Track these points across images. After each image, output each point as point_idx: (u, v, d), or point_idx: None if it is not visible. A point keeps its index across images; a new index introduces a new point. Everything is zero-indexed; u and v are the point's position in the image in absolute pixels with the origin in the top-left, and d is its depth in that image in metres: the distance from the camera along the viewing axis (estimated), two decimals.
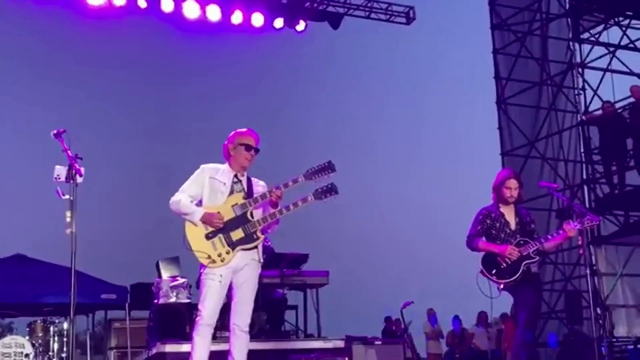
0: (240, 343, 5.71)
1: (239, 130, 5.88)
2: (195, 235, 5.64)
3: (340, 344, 8.25)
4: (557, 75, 14.87)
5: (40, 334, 10.03)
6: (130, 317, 11.24)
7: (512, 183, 6.59)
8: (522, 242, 6.44)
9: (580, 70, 14.76)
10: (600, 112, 14.21)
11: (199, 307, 5.63)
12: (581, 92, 14.73)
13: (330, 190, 5.69)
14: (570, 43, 14.88)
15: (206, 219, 5.61)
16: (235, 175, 5.82)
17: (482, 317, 14.71)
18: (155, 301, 9.08)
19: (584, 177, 14.20)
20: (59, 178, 5.68)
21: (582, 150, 14.27)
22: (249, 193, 5.78)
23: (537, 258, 6.47)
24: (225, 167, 5.86)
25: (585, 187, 14.10)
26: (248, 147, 5.79)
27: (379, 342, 8.36)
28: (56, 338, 10.10)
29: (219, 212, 5.64)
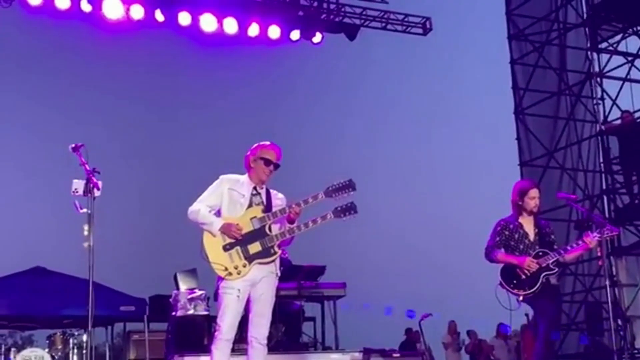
0: (258, 355, 5.70)
1: (262, 143, 5.85)
2: (213, 246, 5.62)
3: (358, 356, 8.22)
4: (575, 85, 14.80)
5: (59, 346, 10.07)
6: (149, 329, 11.25)
7: (536, 192, 6.55)
8: (541, 253, 6.39)
9: (598, 79, 14.68)
10: (619, 121, 14.12)
11: (218, 321, 5.62)
12: (600, 101, 14.65)
13: (350, 209, 5.65)
14: (589, 52, 14.81)
15: (225, 230, 5.60)
16: (255, 188, 5.81)
17: (499, 329, 14.62)
18: (173, 313, 9.10)
19: (604, 187, 14.10)
20: (77, 192, 5.72)
21: (601, 160, 14.18)
22: (267, 206, 5.76)
23: (557, 269, 6.41)
24: (245, 178, 5.85)
25: (605, 198, 13.99)
26: (267, 162, 5.77)
27: (397, 355, 8.30)
28: (75, 350, 10.13)
29: (238, 224, 5.62)
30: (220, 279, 5.64)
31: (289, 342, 8.83)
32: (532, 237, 6.51)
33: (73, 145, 5.72)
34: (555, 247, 6.49)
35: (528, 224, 6.57)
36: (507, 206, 6.70)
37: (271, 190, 5.90)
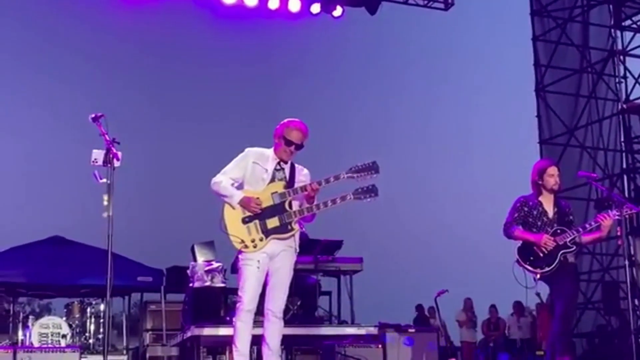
0: (274, 328, 5.72)
1: (288, 121, 5.77)
2: (232, 218, 5.63)
3: (374, 330, 8.23)
4: (597, 63, 14.65)
5: (77, 315, 10.20)
6: (165, 299, 11.35)
7: (554, 170, 6.50)
8: (558, 231, 6.35)
9: (621, 57, 14.52)
10: None
11: (239, 293, 5.64)
12: (622, 80, 14.51)
13: (371, 191, 5.61)
14: (612, 30, 14.63)
15: (244, 203, 5.60)
16: (279, 163, 5.78)
17: (517, 307, 14.60)
18: (190, 284, 9.15)
19: (624, 166, 14.00)
20: (97, 162, 5.73)
21: (622, 139, 14.07)
22: (290, 182, 5.74)
23: (574, 247, 6.37)
24: (270, 152, 5.81)
25: (625, 177, 13.89)
26: (289, 143, 5.72)
27: (413, 330, 8.31)
28: (93, 319, 10.26)
29: (257, 198, 5.61)
30: (241, 251, 5.65)
31: (305, 316, 8.86)
32: (551, 215, 6.47)
33: (93, 115, 5.72)
34: (573, 226, 6.45)
35: (548, 203, 6.52)
36: (526, 183, 6.67)
37: (297, 166, 5.87)
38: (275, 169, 5.76)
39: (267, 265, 5.67)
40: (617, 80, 14.47)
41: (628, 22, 14.91)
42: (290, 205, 5.67)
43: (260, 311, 5.84)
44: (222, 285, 9.12)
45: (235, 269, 5.96)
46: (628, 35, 14.75)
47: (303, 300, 8.95)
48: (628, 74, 14.53)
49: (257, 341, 5.79)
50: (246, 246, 5.59)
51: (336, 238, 9.24)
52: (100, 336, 10.04)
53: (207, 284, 9.04)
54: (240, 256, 5.67)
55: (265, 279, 5.72)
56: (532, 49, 15.21)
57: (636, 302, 12.62)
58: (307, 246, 8.94)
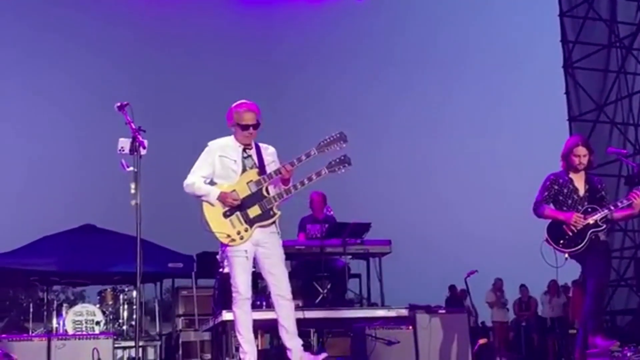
0: (286, 310, 5.83)
1: (234, 106, 5.82)
2: (213, 215, 5.73)
3: (404, 312, 8.21)
4: (626, 38, 14.44)
5: (110, 302, 10.32)
6: (196, 285, 11.44)
7: (581, 150, 6.42)
8: (589, 209, 6.29)
9: None
10: None
11: (233, 283, 5.76)
12: None
13: (344, 162, 5.71)
14: None
15: (222, 198, 5.69)
16: (244, 150, 5.84)
17: (552, 286, 14.51)
18: (220, 270, 9.19)
19: None
20: (123, 150, 5.79)
21: None
22: (261, 167, 5.81)
23: (605, 226, 6.30)
24: (232, 141, 5.86)
25: None
26: (244, 127, 5.77)
27: (443, 311, 8.28)
28: (126, 306, 10.37)
29: (234, 191, 5.70)
30: (224, 245, 5.74)
31: (335, 299, 8.87)
32: (582, 192, 6.40)
33: (119, 104, 5.75)
34: (605, 203, 6.37)
35: (579, 180, 6.45)
36: (555, 161, 6.60)
37: (261, 145, 5.92)
38: (243, 157, 5.82)
39: (254, 252, 5.77)
40: None
41: None
42: (267, 191, 5.75)
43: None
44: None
45: (223, 260, 6.04)
46: None
47: (332, 283, 8.96)
48: None
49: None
50: (233, 240, 5.68)
51: (364, 220, 9.22)
52: (134, 322, 10.15)
53: None
54: (226, 249, 5.76)
55: (255, 265, 5.86)
56: (560, 25, 15.02)
57: None
58: (335, 229, 8.95)
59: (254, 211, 5.71)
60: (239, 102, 5.86)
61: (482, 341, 8.67)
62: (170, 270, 11.67)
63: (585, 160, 6.41)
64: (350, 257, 9.22)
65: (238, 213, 5.70)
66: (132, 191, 5.68)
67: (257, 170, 5.79)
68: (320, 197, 9.28)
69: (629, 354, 6.50)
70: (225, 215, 5.71)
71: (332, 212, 9.37)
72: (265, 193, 5.73)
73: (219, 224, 5.71)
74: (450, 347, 7.88)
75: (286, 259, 9.40)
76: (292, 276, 10.06)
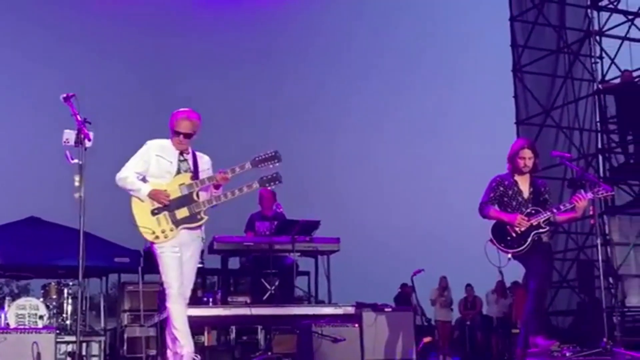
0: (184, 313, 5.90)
1: (177, 112, 5.92)
2: (141, 211, 5.80)
3: (351, 310, 8.27)
4: (574, 43, 14.71)
5: (54, 296, 10.15)
6: (143, 280, 11.32)
7: (526, 153, 6.55)
8: (533, 211, 6.41)
9: (597, 38, 14.60)
10: (617, 80, 14.07)
11: (165, 279, 5.83)
12: (598, 60, 14.60)
13: (275, 179, 5.92)
14: (588, 10, 14.69)
15: (153, 196, 5.77)
16: (181, 153, 5.94)
17: (499, 287, 14.70)
18: None
19: (599, 146, 14.11)
20: (68, 142, 5.72)
21: (597, 119, 14.16)
22: (195, 172, 5.93)
23: (548, 228, 6.44)
24: (169, 144, 5.96)
25: (600, 157, 14.01)
26: (177, 133, 5.87)
27: (389, 309, 8.36)
28: (70, 300, 10.21)
29: (166, 190, 5.79)
30: (152, 243, 5.82)
31: (283, 296, 8.89)
32: (526, 195, 6.53)
33: (64, 95, 5.68)
34: (548, 205, 6.51)
35: (523, 182, 6.58)
36: (502, 163, 6.72)
37: (197, 154, 6.06)
38: (179, 160, 5.92)
39: (180, 253, 5.84)
40: (593, 60, 14.55)
41: (604, 2, 14.97)
42: (197, 196, 5.86)
43: None
44: (199, 266, 9.10)
45: (152, 257, 6.05)
46: (604, 15, 14.82)
47: (281, 280, 8.97)
48: (604, 55, 14.61)
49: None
50: (157, 237, 5.76)
51: (314, 218, 9.25)
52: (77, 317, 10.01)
53: None
54: (155, 245, 5.82)
55: None
56: (510, 30, 15.25)
57: (610, 280, 12.81)
58: (284, 227, 8.96)
59: (181, 213, 5.81)
60: (182, 109, 5.96)
61: (426, 339, 8.74)
62: (117, 265, 11.52)
63: (530, 163, 6.54)
64: (298, 254, 9.24)
65: (166, 213, 5.79)
66: (77, 184, 5.62)
67: (190, 174, 5.91)
68: (270, 194, 9.27)
69: (567, 354, 6.66)
70: (153, 213, 5.79)
71: (281, 209, 9.38)
72: (195, 197, 5.85)
73: (146, 220, 5.79)
74: (395, 345, 7.97)
75: (235, 255, 9.57)
76: (240, 273, 10.15)
